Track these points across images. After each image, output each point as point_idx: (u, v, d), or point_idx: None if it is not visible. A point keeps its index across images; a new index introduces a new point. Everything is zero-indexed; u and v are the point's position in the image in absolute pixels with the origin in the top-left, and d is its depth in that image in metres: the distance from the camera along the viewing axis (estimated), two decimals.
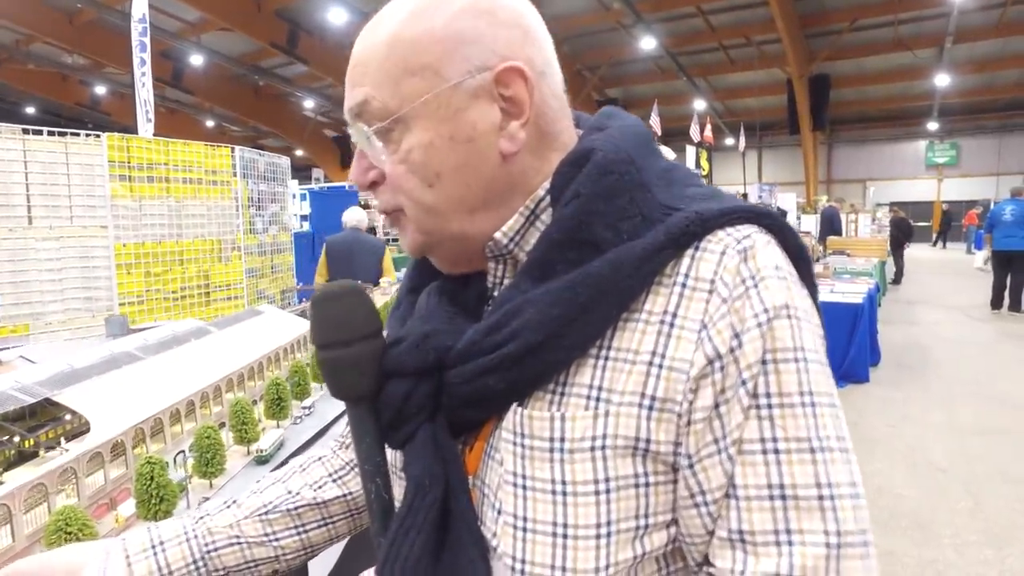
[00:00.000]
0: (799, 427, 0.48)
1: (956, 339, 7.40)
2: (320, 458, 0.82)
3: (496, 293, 0.62)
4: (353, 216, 5.26)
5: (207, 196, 3.76)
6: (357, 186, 0.63)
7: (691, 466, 0.50)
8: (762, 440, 0.48)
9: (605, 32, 15.50)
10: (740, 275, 0.50)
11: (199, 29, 14.81)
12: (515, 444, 0.54)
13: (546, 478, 0.52)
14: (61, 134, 3.11)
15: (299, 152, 23.14)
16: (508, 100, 0.57)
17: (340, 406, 1.86)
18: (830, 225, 11.53)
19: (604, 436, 0.51)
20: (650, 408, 0.50)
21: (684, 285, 0.51)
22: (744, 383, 0.48)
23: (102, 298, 3.25)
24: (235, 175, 3.91)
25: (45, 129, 3.06)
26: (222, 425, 1.47)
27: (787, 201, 14.43)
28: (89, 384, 1.22)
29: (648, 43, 14.68)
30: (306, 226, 8.95)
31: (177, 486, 1.14)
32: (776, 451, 0.48)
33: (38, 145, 3.03)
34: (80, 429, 1.29)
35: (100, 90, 18.78)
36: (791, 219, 13.13)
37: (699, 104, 18.69)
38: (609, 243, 0.53)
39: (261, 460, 1.41)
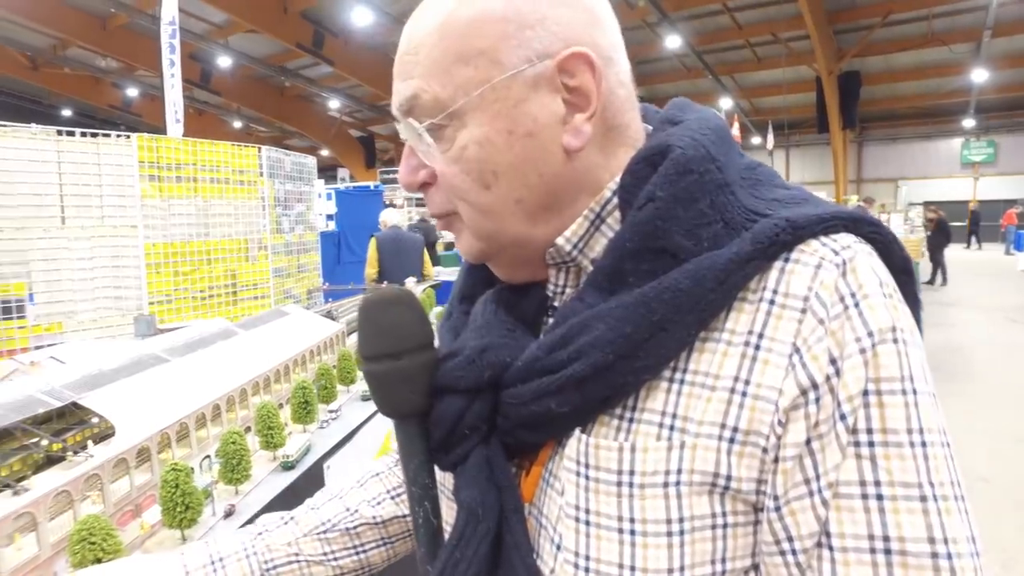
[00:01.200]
0: (907, 470, 0.41)
1: (997, 343, 7.16)
2: (378, 474, 0.79)
3: (557, 303, 0.57)
4: (392, 216, 5.99)
5: (234, 196, 3.78)
6: (405, 187, 0.58)
7: (778, 508, 0.44)
8: (862, 483, 0.42)
9: (630, 31, 15.23)
10: (839, 292, 0.44)
11: (226, 31, 15.02)
12: (578, 475, 0.49)
13: (612, 514, 0.47)
14: (93, 135, 3.15)
15: (325, 152, 23.36)
16: (572, 90, 0.51)
17: (367, 410, 1.83)
18: None
19: (679, 471, 0.45)
20: (731, 440, 0.44)
21: (772, 302, 0.45)
22: (843, 417, 0.42)
23: (131, 297, 3.28)
24: (262, 175, 3.92)
25: (78, 130, 3.09)
26: (248, 429, 1.45)
27: None
28: (115, 387, 1.20)
29: (673, 41, 14.51)
30: (332, 225, 9.00)
31: (202, 493, 1.12)
32: (879, 496, 0.41)
33: (71, 146, 3.06)
34: (107, 432, 1.28)
35: (132, 92, 19.17)
36: None
37: (726, 103, 18.44)
38: (688, 252, 0.47)
39: (287, 466, 1.38)
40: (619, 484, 0.47)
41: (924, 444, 0.42)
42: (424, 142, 0.53)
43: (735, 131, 14.92)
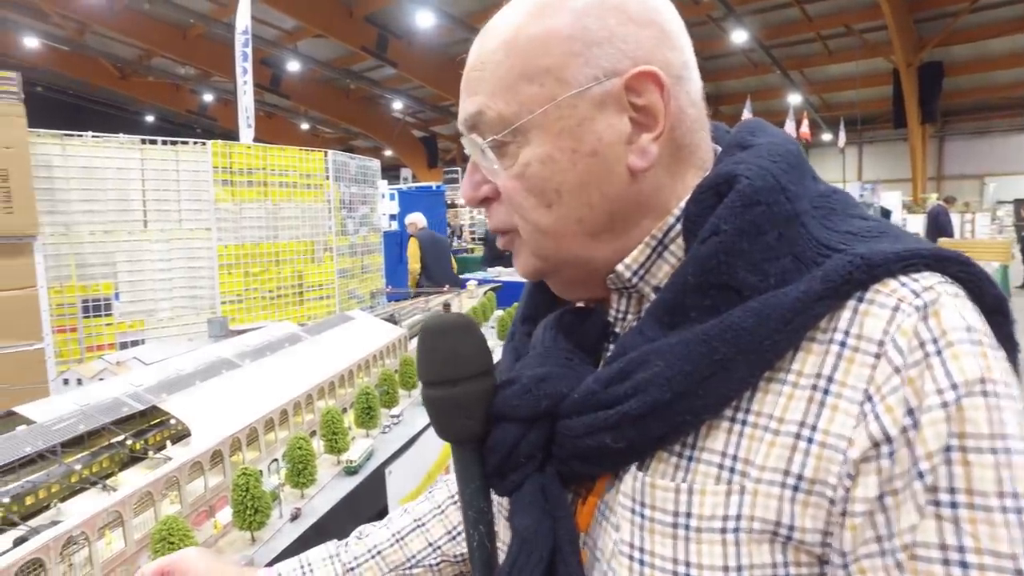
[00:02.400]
0: (998, 538, 0.37)
1: None
2: (455, 499, 0.81)
3: (619, 329, 0.57)
4: (421, 219, 6.68)
5: (301, 199, 3.91)
6: (468, 202, 0.59)
7: (845, 565, 0.42)
8: (943, 547, 0.38)
9: (694, 27, 14.71)
10: (919, 338, 0.41)
11: (295, 37, 15.57)
12: (633, 512, 0.48)
13: (667, 556, 0.46)
14: (173, 143, 3.33)
15: (388, 152, 23.88)
16: (640, 110, 0.50)
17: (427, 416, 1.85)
18: (936, 225, 10.59)
19: (738, 517, 0.44)
20: (795, 488, 0.42)
21: (843, 344, 0.43)
22: (920, 475, 0.39)
23: (205, 297, 3.44)
24: (327, 178, 4.04)
25: (159, 139, 3.27)
26: (312, 433, 1.49)
27: (891, 200, 13.43)
28: (192, 392, 1.27)
29: (739, 36, 14.08)
30: (394, 225, 9.19)
31: (270, 496, 1.16)
32: (963, 564, 0.38)
33: (153, 153, 3.24)
34: (183, 432, 1.35)
35: (208, 97, 20.14)
36: (896, 219, 12.25)
37: (794, 98, 17.75)
38: (753, 288, 0.45)
39: (350, 471, 1.42)
40: (675, 526, 0.46)
41: (1021, 511, 0.38)
42: (487, 158, 0.54)
43: (804, 128, 14.35)
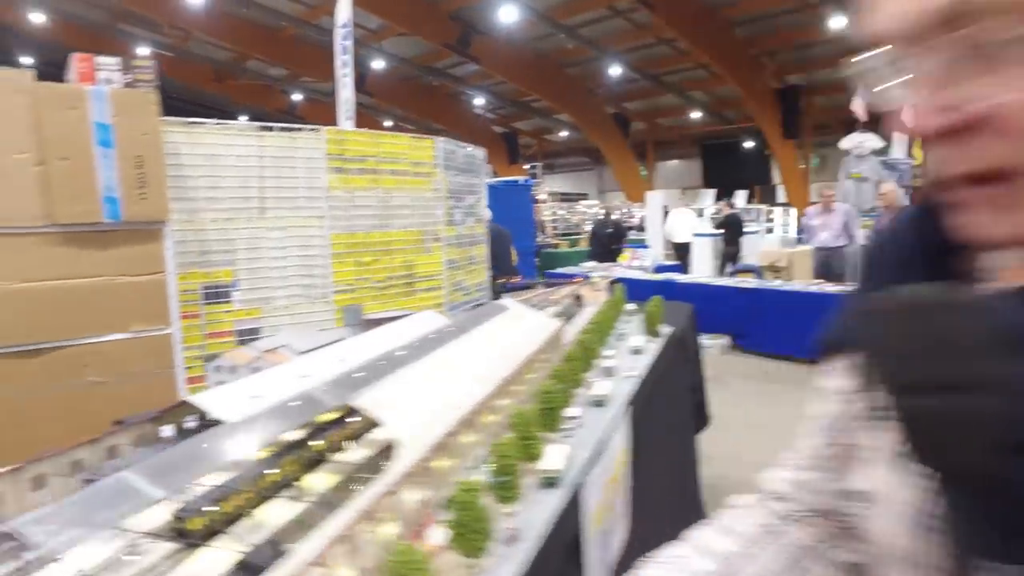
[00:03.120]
0: None
1: None
2: (770, 532, 0.63)
3: None
4: (487, 211, 6.52)
5: (411, 188, 3.81)
6: (927, 131, 0.42)
7: None
8: None
9: (787, 15, 14.20)
10: None
11: (380, 36, 15.84)
12: None
13: None
14: (289, 130, 3.29)
15: (469, 148, 24.09)
16: None
17: (609, 415, 1.62)
18: None
19: None
20: None
21: None
22: None
23: (318, 285, 3.40)
24: (436, 167, 3.93)
25: (275, 125, 3.24)
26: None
27: None
28: (373, 389, 1.10)
29: (838, 22, 13.23)
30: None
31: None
32: None
33: (269, 141, 3.21)
34: (361, 431, 1.19)
35: (296, 97, 20.88)
36: None
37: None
38: None
39: (550, 482, 1.21)
40: None
41: None
42: (991, 63, 0.38)
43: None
